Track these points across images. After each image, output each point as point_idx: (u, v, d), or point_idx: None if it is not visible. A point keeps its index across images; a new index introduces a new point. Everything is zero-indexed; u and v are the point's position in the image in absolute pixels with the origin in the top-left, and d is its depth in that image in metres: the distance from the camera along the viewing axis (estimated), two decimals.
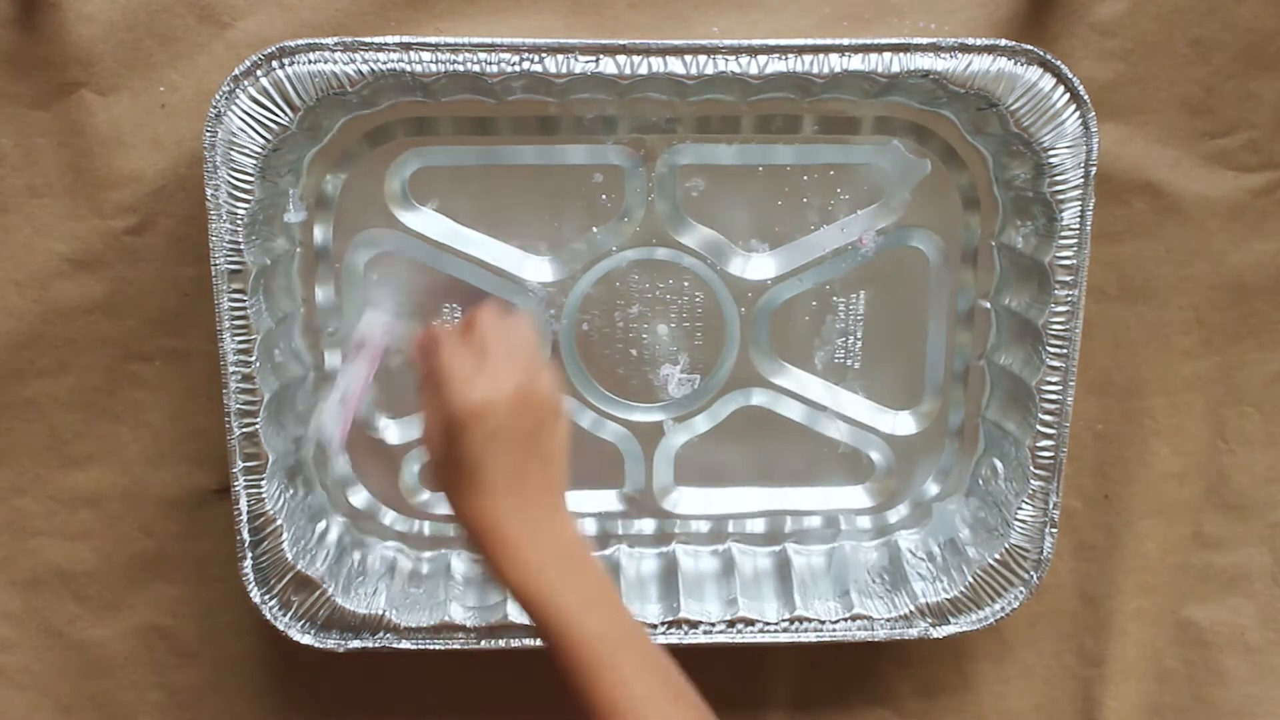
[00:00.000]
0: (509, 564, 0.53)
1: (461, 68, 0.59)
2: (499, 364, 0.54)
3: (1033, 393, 0.65)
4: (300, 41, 0.59)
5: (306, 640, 0.66)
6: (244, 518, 0.64)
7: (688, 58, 0.60)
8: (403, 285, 0.67)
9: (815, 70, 0.60)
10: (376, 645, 0.67)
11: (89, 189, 0.64)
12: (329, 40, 0.59)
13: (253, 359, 0.62)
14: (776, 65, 0.60)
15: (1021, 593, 0.68)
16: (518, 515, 0.53)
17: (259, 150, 0.60)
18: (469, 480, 0.53)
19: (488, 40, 0.59)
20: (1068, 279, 0.63)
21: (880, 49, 0.60)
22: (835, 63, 0.60)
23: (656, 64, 0.60)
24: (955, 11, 0.64)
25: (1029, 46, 0.61)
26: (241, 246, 0.60)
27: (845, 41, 0.60)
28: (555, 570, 0.53)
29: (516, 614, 0.67)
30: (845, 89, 0.62)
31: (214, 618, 0.72)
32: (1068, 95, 0.61)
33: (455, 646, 0.67)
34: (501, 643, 0.67)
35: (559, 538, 0.54)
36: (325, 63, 0.59)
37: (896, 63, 0.60)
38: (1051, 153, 0.61)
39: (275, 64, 0.59)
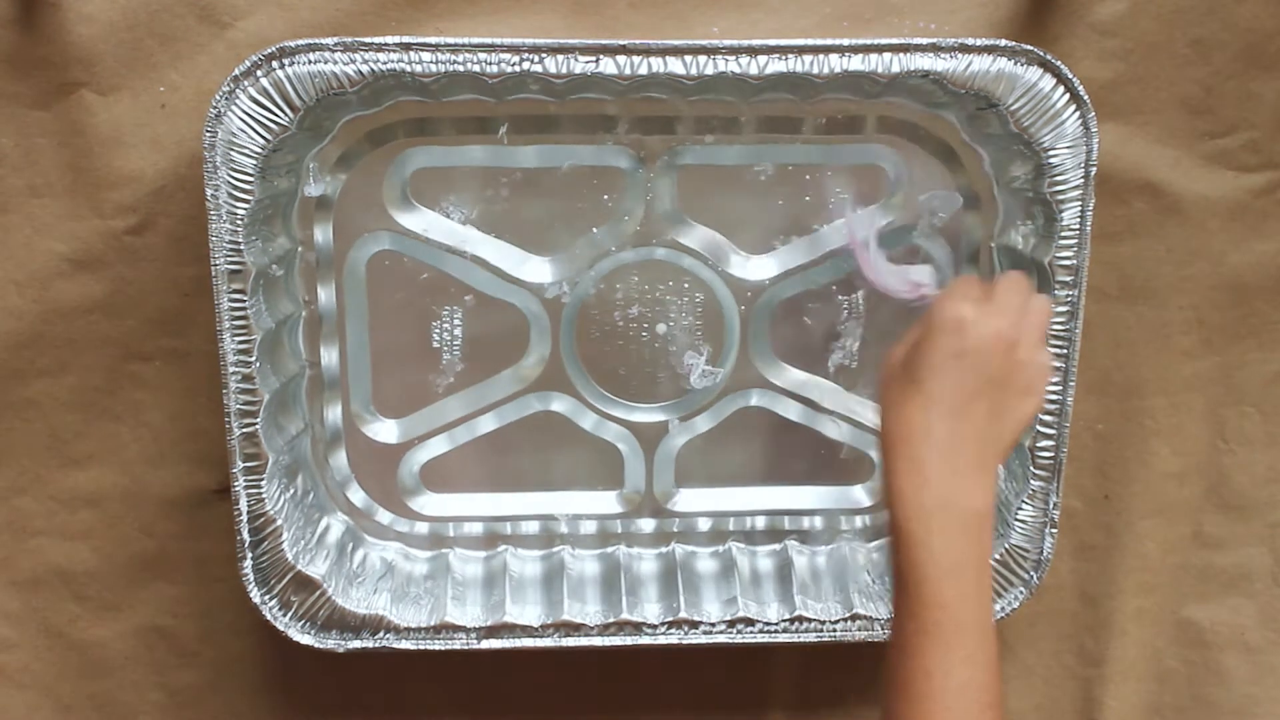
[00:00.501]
0: (905, 485, 0.51)
1: (461, 68, 0.59)
2: (999, 307, 0.55)
3: None
4: (300, 41, 0.59)
5: (306, 640, 0.66)
6: (244, 518, 0.64)
7: (688, 58, 0.60)
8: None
9: (815, 70, 0.60)
10: (376, 645, 0.67)
11: (89, 189, 0.64)
12: (329, 40, 0.59)
13: (253, 359, 0.62)
14: (776, 65, 0.60)
15: (1021, 593, 0.68)
16: (941, 443, 0.52)
17: (259, 150, 0.60)
18: (914, 385, 0.53)
19: (488, 40, 0.59)
20: (1068, 279, 0.63)
21: (880, 49, 0.60)
22: (835, 63, 0.60)
23: (656, 64, 0.60)
24: (955, 11, 0.64)
25: (1029, 46, 0.61)
26: (241, 246, 0.60)
27: (845, 42, 0.60)
28: (945, 520, 0.51)
29: (516, 614, 0.67)
30: (845, 89, 0.62)
31: (214, 618, 0.72)
32: (1068, 95, 0.61)
33: (455, 646, 0.67)
34: (501, 643, 0.67)
35: (969, 493, 0.52)
36: (325, 63, 0.59)
37: (896, 63, 0.60)
38: (1051, 153, 0.61)
39: (275, 64, 0.59)
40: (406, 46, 0.59)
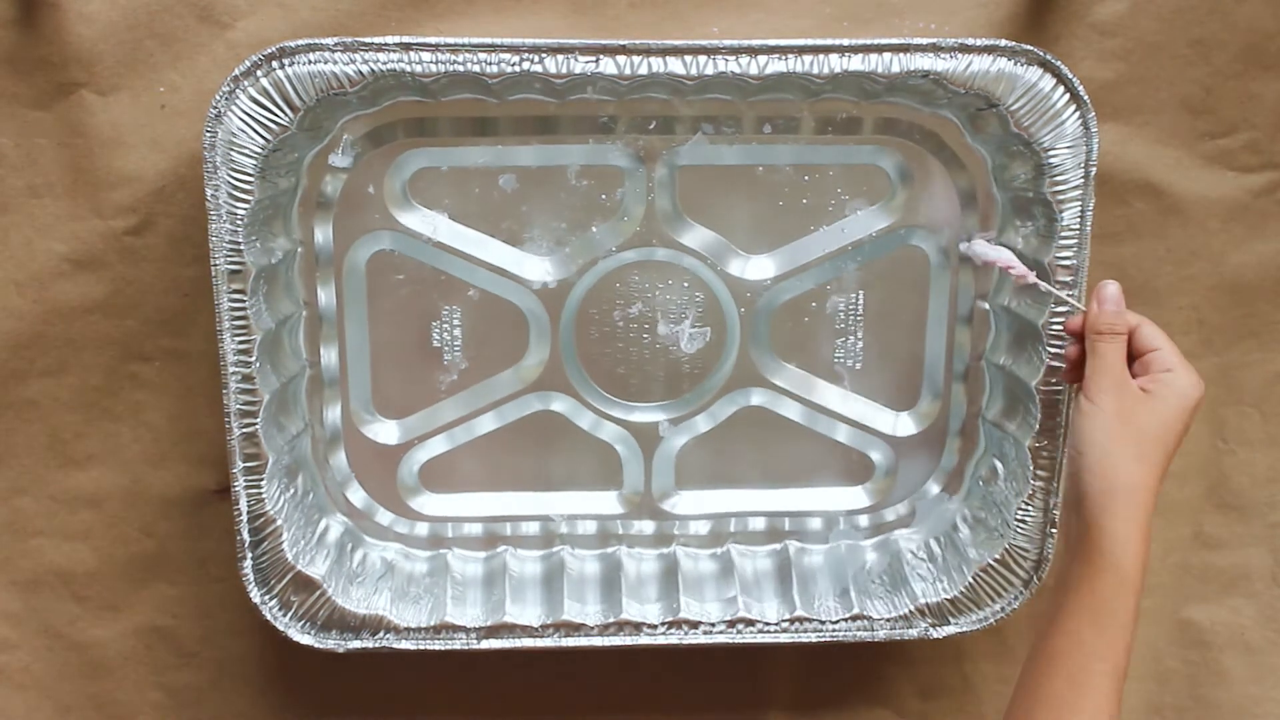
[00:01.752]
0: (1129, 532, 0.56)
1: (461, 68, 0.59)
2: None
3: (1033, 393, 0.65)
4: (300, 42, 0.59)
5: (306, 640, 0.66)
6: (244, 518, 0.64)
7: (688, 58, 0.60)
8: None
9: (815, 70, 0.60)
10: (376, 645, 0.67)
11: (89, 189, 0.64)
12: (329, 40, 0.59)
13: (253, 359, 0.62)
14: (776, 65, 0.60)
15: (1021, 593, 0.67)
16: (1154, 495, 0.58)
17: (259, 150, 0.60)
18: (1161, 449, 0.58)
19: (488, 40, 0.59)
20: (1068, 279, 0.63)
21: (880, 49, 0.60)
22: (835, 63, 0.60)
23: (656, 64, 0.60)
24: (955, 12, 0.64)
25: (1029, 47, 0.61)
26: (241, 246, 0.60)
27: (845, 42, 0.60)
28: (1146, 558, 0.57)
29: (516, 614, 0.67)
30: (845, 89, 0.62)
31: (214, 618, 0.72)
32: (1068, 95, 0.61)
33: (455, 646, 0.67)
34: (501, 643, 0.67)
35: (1149, 532, 0.58)
36: (325, 63, 0.59)
37: (896, 63, 0.60)
38: (1051, 153, 0.62)
39: (275, 64, 0.59)
40: (406, 46, 0.59)
